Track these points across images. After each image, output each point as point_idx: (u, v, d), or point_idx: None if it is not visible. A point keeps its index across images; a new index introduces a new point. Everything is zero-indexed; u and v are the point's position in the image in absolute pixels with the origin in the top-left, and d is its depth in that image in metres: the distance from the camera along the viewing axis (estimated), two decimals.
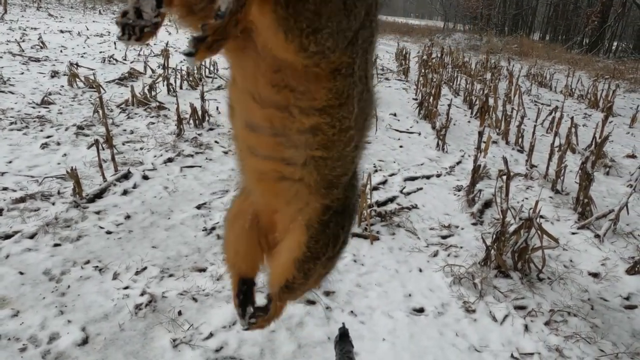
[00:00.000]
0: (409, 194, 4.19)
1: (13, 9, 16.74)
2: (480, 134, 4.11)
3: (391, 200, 3.99)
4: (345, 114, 0.79)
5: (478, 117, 6.99)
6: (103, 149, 4.01)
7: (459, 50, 21.62)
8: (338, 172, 0.86)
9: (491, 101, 7.58)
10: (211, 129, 5.41)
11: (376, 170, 4.70)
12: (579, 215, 3.98)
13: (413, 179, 4.56)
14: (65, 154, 4.22)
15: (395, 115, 6.99)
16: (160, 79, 6.88)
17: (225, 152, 4.72)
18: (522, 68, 14.00)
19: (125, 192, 3.63)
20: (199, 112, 5.40)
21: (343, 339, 1.20)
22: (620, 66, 17.69)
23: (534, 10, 36.64)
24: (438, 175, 4.72)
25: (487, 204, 4.02)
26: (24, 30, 11.60)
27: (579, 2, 30.68)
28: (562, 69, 16.53)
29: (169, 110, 5.93)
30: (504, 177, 3.22)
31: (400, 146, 5.60)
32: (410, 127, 6.46)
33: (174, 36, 14.49)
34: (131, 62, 9.04)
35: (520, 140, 5.92)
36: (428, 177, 4.65)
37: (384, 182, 4.36)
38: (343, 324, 1.35)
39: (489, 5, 35.35)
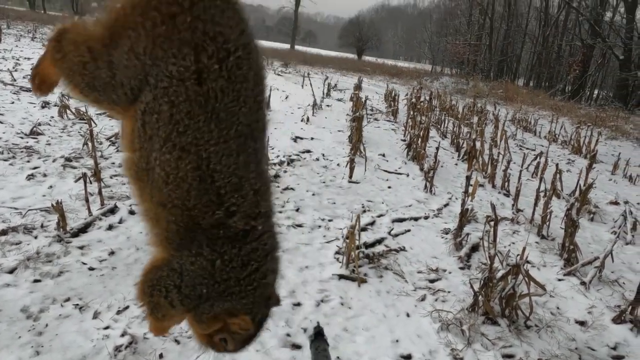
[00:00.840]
0: (397, 235, 4.19)
1: (7, 38, 16.90)
2: (468, 178, 4.16)
3: (379, 241, 3.99)
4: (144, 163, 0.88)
5: (465, 160, 7.09)
6: (90, 183, 3.98)
7: (446, 93, 22.19)
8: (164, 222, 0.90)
9: (478, 145, 7.74)
10: None
11: (364, 211, 4.72)
12: (564, 262, 4.00)
13: (401, 220, 4.57)
14: (51, 186, 4.16)
15: (384, 155, 7.07)
16: None
17: None
18: (507, 113, 14.37)
19: (110, 227, 3.57)
20: None
21: (318, 337, 1.18)
22: (601, 113, 18.25)
23: (519, 57, 37.98)
24: (426, 217, 4.74)
25: (475, 248, 4.03)
26: (17, 59, 11.67)
27: (560, 51, 31.91)
28: (545, 114, 16.99)
29: None
30: (492, 222, 3.24)
31: (389, 187, 5.64)
32: (399, 168, 6.53)
33: None
34: None
35: (506, 184, 6.01)
36: (416, 219, 4.67)
37: (372, 223, 4.37)
38: (318, 322, 1.32)
39: (475, 52, 36.62)
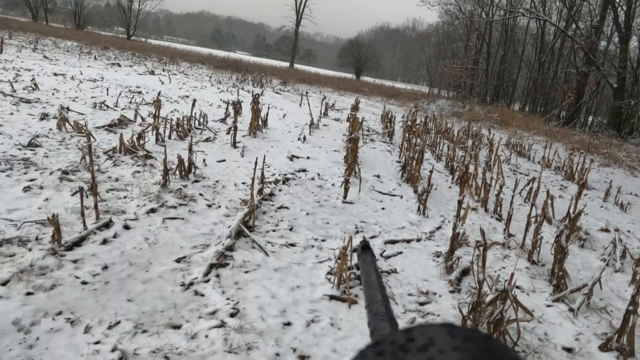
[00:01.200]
0: (388, 257, 4.23)
1: (9, 48, 17.03)
2: (460, 202, 4.22)
3: None
4: None
5: (459, 183, 7.17)
6: (87, 197, 4.01)
7: (442, 116, 22.43)
8: None
9: (472, 168, 7.83)
10: (196, 181, 5.45)
11: (357, 232, 4.76)
12: (554, 288, 4.05)
13: (393, 242, 4.62)
14: (47, 199, 4.19)
15: (378, 177, 7.15)
16: (150, 128, 6.99)
17: (209, 205, 4.75)
18: (502, 137, 14.54)
19: (105, 242, 3.60)
20: (186, 164, 5.46)
21: (365, 250, 1.26)
22: (595, 140, 18.50)
23: (515, 82, 38.54)
24: (418, 240, 4.79)
25: (465, 272, 4.08)
26: (18, 71, 11.76)
27: (555, 78, 32.42)
28: (540, 139, 17.19)
29: (155, 159, 5.99)
30: (481, 248, 3.30)
31: (383, 208, 5.70)
32: (393, 190, 6.59)
33: (167, 85, 14.80)
34: (122, 109, 9.18)
35: (498, 208, 6.08)
36: (408, 241, 4.71)
37: None
38: (364, 237, 1.33)
39: (472, 75, 37.12)
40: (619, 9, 24.65)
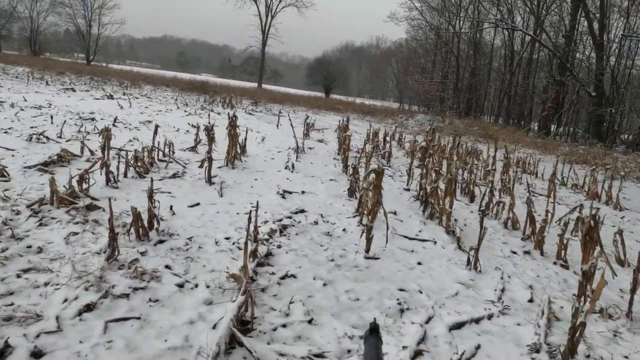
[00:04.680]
0: None
1: None
2: (588, 276, 2.78)
3: None
4: None
5: (484, 211, 5.80)
6: None
7: (424, 131, 21.35)
8: None
9: (503, 198, 6.50)
10: (161, 242, 3.84)
11: (402, 310, 3.24)
12: None
13: (459, 325, 3.13)
14: None
15: (395, 213, 5.68)
16: (99, 165, 5.33)
17: (180, 286, 3.15)
18: (491, 151, 13.42)
19: None
20: (145, 219, 3.86)
21: (373, 334, 1.15)
22: (581, 150, 17.71)
23: (486, 94, 38.24)
24: (490, 317, 3.31)
25: None
26: None
27: (529, 89, 32.06)
28: (530, 152, 16.21)
29: (103, 210, 4.35)
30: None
31: (419, 263, 4.21)
32: (420, 232, 5.13)
33: (126, 110, 13.11)
34: (67, 141, 7.46)
35: (562, 252, 4.68)
36: (477, 321, 3.23)
37: (423, 339, 2.89)
38: (374, 319, 1.28)
39: (443, 89, 36.53)
40: (593, 17, 24.36)
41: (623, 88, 24.12)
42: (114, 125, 9.69)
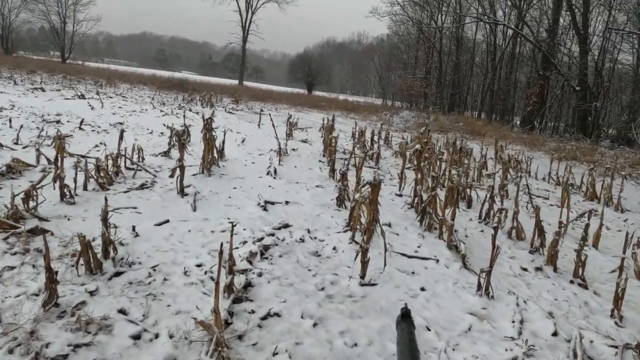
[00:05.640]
0: None
1: None
2: None
3: None
4: None
5: (496, 228, 5.26)
6: None
7: (409, 128, 20.91)
8: None
9: (506, 206, 6.02)
10: (118, 274, 3.21)
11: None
12: None
13: None
14: None
15: (390, 225, 5.11)
16: (50, 178, 4.65)
17: (136, 338, 2.53)
18: (482, 149, 13.00)
19: None
20: (97, 248, 3.22)
21: (405, 319, 1.11)
22: (568, 146, 17.44)
23: (469, 90, 38.04)
24: None
25: None
26: None
27: (512, 83, 31.89)
28: (518, 149, 15.87)
29: (52, 234, 3.69)
30: None
31: (422, 289, 3.65)
32: (419, 247, 4.57)
33: (97, 111, 12.33)
34: (24, 147, 6.73)
35: (580, 269, 4.17)
36: None
37: None
38: (405, 304, 1.20)
39: (426, 85, 36.19)
40: (577, 10, 24.16)
41: (608, 82, 24.00)
42: (80, 128, 8.94)
